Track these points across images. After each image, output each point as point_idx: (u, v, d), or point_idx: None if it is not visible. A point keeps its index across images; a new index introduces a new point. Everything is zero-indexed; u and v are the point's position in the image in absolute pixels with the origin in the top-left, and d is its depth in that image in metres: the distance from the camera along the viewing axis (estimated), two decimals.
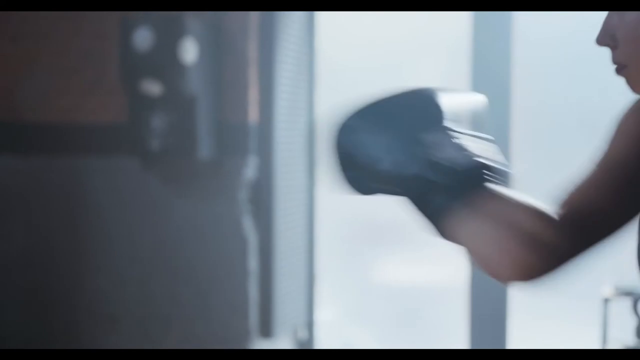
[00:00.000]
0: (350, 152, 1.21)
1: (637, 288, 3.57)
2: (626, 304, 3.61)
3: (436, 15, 3.70)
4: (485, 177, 1.15)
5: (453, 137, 1.18)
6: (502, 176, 1.18)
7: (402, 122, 1.19)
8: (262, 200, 3.57)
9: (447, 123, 1.19)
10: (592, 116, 3.63)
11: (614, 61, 1.27)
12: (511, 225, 1.11)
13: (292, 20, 3.65)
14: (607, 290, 3.56)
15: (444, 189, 1.15)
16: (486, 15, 3.57)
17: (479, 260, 1.14)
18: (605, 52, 1.28)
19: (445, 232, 1.17)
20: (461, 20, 3.65)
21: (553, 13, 3.57)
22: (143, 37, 3.31)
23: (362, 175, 1.22)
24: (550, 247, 1.09)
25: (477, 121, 1.25)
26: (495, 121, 3.62)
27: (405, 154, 1.18)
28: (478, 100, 1.28)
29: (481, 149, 1.18)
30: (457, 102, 1.24)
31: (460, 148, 1.17)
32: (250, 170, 3.55)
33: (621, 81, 1.28)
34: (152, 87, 3.37)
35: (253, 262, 3.56)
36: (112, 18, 3.54)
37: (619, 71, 1.27)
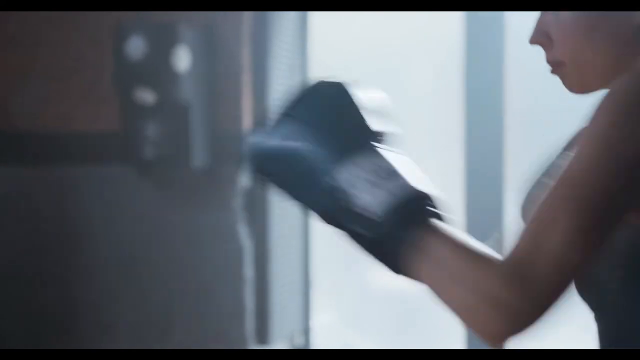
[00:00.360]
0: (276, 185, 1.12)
1: None
2: None
3: (429, 17, 3.69)
4: (423, 211, 1.06)
5: (375, 164, 1.07)
6: (434, 202, 1.09)
7: (320, 142, 1.10)
8: (257, 208, 3.56)
9: (370, 136, 1.10)
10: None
11: (549, 60, 1.23)
12: (472, 290, 1.02)
13: (284, 27, 3.64)
14: None
15: (381, 240, 1.06)
16: (478, 15, 3.57)
17: (451, 312, 1.07)
18: None
19: (403, 274, 1.09)
20: (454, 21, 3.64)
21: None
22: (136, 45, 3.29)
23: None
24: (516, 313, 1.02)
25: (387, 120, 1.14)
26: (489, 121, 3.62)
27: (325, 204, 1.08)
28: (382, 97, 1.17)
29: (405, 170, 1.09)
30: (368, 101, 1.14)
31: (389, 178, 1.06)
32: (244, 178, 3.54)
33: None
34: (146, 96, 3.36)
35: (249, 270, 3.55)
36: (105, 26, 3.52)
37: (554, 70, 1.22)
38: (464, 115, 3.63)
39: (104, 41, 3.54)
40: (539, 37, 1.23)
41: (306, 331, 3.81)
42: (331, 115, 1.13)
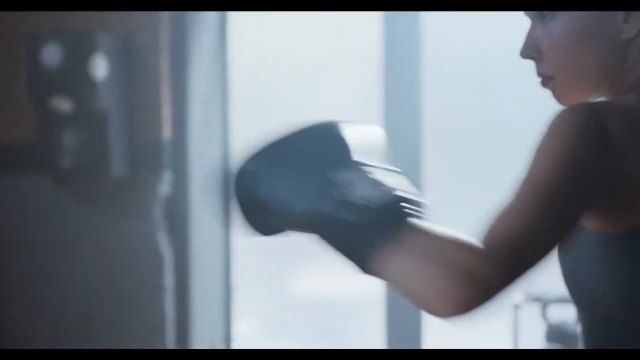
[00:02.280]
0: (256, 198, 1.17)
1: (546, 294, 3.64)
2: (535, 309, 3.69)
3: (347, 22, 3.72)
4: (405, 211, 1.13)
5: (364, 173, 1.14)
6: (419, 208, 1.15)
7: (308, 162, 1.16)
8: (177, 216, 3.54)
9: (355, 158, 1.16)
10: (507, 125, 3.69)
11: (539, 73, 1.26)
12: (439, 260, 1.08)
13: (203, 34, 3.63)
14: (517, 297, 3.62)
15: (364, 228, 1.11)
16: (396, 19, 3.61)
17: (410, 297, 1.11)
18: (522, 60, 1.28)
19: (370, 270, 1.13)
20: (372, 25, 3.68)
21: (465, 19, 3.62)
22: (51, 53, 3.25)
23: (271, 220, 1.18)
24: (480, 280, 1.07)
25: (381, 153, 1.22)
26: (405, 125, 3.66)
27: (317, 196, 1.14)
28: (378, 132, 1.24)
29: (394, 182, 1.15)
30: (361, 135, 1.21)
31: (375, 183, 1.13)
32: (164, 186, 3.52)
33: (536, 89, 1.29)
34: (63, 104, 3.32)
35: (169, 278, 3.54)
36: (17, 35, 3.47)
37: (545, 84, 1.26)
38: (383, 115, 3.67)
39: (18, 49, 3.49)
40: (529, 51, 1.26)
41: (227, 338, 3.80)
42: (317, 148, 1.18)
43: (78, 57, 3.28)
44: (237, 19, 3.81)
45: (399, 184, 1.16)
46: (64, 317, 3.56)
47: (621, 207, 1.15)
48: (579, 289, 1.22)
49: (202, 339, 3.63)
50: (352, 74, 3.76)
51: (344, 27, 3.72)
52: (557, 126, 1.13)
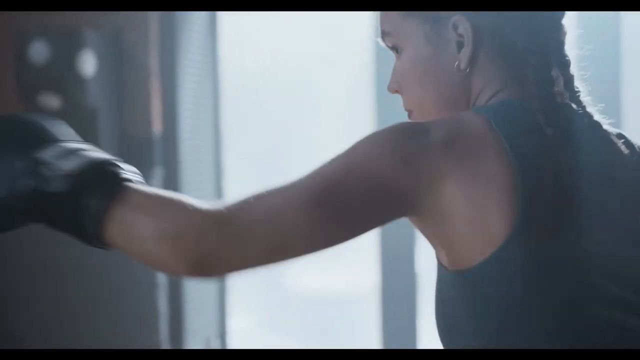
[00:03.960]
0: None
1: None
2: None
3: (338, 19, 3.71)
4: (118, 173, 1.09)
5: (66, 147, 1.10)
6: (133, 173, 1.12)
7: (5, 146, 1.11)
8: None
9: (51, 138, 1.12)
10: None
11: (404, 107, 1.26)
12: (159, 220, 1.05)
13: (193, 30, 3.61)
14: None
15: (79, 196, 1.08)
16: None
17: (143, 259, 1.09)
18: None
19: (99, 239, 1.11)
20: (364, 21, 3.66)
21: None
22: (39, 50, 3.24)
23: None
24: (201, 239, 1.04)
25: (74, 136, 1.18)
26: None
27: (17, 176, 1.10)
28: (59, 120, 1.21)
29: (99, 153, 1.12)
30: (47, 122, 1.18)
31: (80, 153, 1.09)
32: (155, 183, 3.50)
33: None
34: (51, 101, 3.30)
35: (162, 275, 3.52)
36: (5, 33, 3.46)
37: (409, 117, 1.25)
38: (375, 111, 3.65)
39: (6, 47, 3.47)
40: (394, 85, 1.26)
41: (222, 335, 3.79)
42: (6, 134, 1.13)
43: (66, 54, 3.27)
44: (227, 14, 3.79)
45: (105, 154, 1.12)
46: (56, 315, 3.54)
47: (447, 243, 1.10)
48: (439, 324, 1.19)
49: (197, 336, 3.62)
50: (343, 71, 3.75)
51: (336, 24, 3.70)
52: (373, 134, 1.11)
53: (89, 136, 3.37)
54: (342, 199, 1.08)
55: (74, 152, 1.10)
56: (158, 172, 3.51)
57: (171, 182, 3.51)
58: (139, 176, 1.13)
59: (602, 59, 3.42)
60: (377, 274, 3.67)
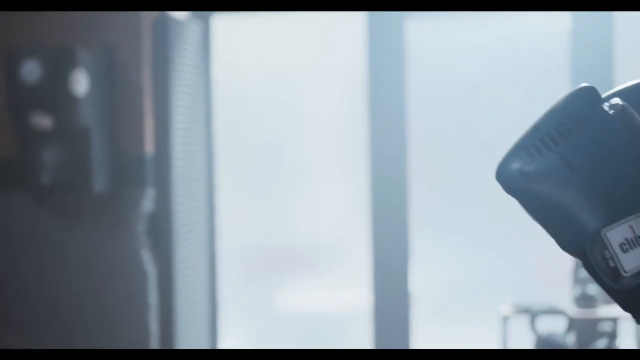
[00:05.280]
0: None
1: (535, 305, 3.62)
2: (524, 321, 3.66)
3: (331, 33, 3.70)
4: None
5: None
6: None
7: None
8: (161, 233, 3.50)
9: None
10: (492, 132, 3.68)
11: None
12: None
13: (186, 49, 3.61)
14: (506, 308, 3.59)
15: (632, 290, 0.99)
16: (381, 27, 3.59)
17: None
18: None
19: None
20: (356, 34, 3.66)
21: (450, 26, 3.61)
22: (31, 69, 3.22)
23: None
24: None
25: None
26: (391, 133, 3.63)
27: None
28: None
29: None
30: None
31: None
32: (148, 202, 3.48)
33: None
34: (43, 120, 3.29)
35: (153, 296, 3.50)
36: None
37: None
38: (369, 124, 3.65)
39: None
40: None
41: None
42: (602, 149, 0.99)
43: (58, 73, 3.25)
44: (220, 31, 3.79)
45: None
46: (45, 335, 3.51)
47: None
48: None
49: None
50: (337, 85, 3.74)
51: (329, 38, 3.70)
52: None
53: (80, 156, 3.35)
54: None
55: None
56: (150, 192, 3.49)
57: (163, 201, 3.49)
58: None
59: (595, 59, 3.43)
60: (370, 294, 3.65)
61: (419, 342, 3.63)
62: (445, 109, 3.65)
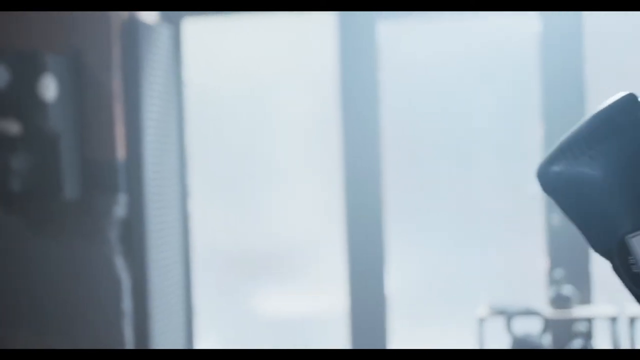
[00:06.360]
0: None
1: (510, 307, 3.61)
2: (500, 322, 3.65)
3: (303, 36, 3.69)
4: None
5: None
6: None
7: None
8: (134, 239, 3.47)
9: None
10: (466, 134, 3.67)
11: None
12: None
13: (156, 53, 3.57)
14: (482, 310, 3.59)
15: None
16: (352, 30, 3.58)
17: None
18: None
19: None
20: (328, 37, 3.65)
21: (421, 30, 3.60)
22: None
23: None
24: None
25: None
26: (364, 135, 3.62)
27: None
28: None
29: None
30: None
31: None
32: (120, 208, 3.45)
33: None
34: (11, 127, 3.24)
35: (127, 302, 3.46)
36: None
37: None
38: (341, 126, 3.63)
39: None
40: None
41: None
42: (635, 157, 1.02)
43: (26, 78, 3.21)
44: (191, 35, 3.76)
45: None
46: (18, 344, 3.47)
47: None
48: None
49: None
50: (309, 87, 3.73)
51: (301, 40, 3.68)
52: None
53: (50, 162, 3.31)
54: None
55: None
56: (122, 198, 3.45)
57: (136, 207, 3.46)
58: None
59: (565, 59, 3.42)
60: (346, 296, 3.63)
61: (395, 344, 3.62)
62: (419, 110, 3.64)
